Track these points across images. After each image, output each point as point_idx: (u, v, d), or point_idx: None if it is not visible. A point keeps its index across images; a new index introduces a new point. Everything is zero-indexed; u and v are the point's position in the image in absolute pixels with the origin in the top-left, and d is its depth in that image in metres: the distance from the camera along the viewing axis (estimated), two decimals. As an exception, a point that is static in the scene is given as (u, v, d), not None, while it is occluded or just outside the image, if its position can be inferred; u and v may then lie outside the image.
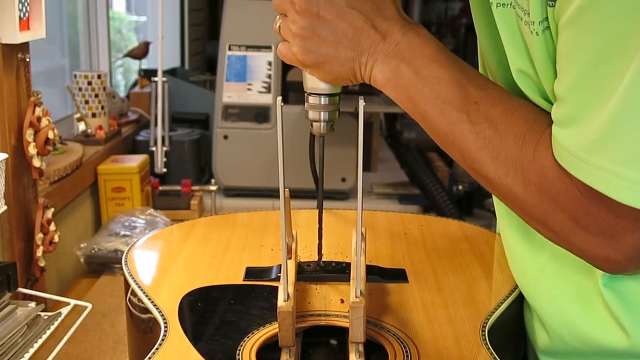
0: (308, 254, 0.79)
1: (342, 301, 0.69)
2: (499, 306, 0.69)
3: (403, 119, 2.68)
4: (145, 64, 2.24)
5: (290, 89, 1.93)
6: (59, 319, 0.86)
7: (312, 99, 0.65)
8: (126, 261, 0.79)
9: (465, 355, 0.60)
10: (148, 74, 2.06)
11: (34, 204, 1.11)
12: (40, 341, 0.81)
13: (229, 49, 1.86)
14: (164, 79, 1.79)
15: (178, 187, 1.71)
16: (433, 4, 3.53)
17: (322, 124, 0.66)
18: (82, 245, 1.38)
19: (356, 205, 0.59)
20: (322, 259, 0.76)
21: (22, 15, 1.00)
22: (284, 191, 0.61)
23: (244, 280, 0.75)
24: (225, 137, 1.85)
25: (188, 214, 1.70)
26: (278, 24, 0.62)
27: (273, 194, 1.82)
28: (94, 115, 1.64)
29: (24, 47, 1.06)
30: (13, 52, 1.03)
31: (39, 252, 1.10)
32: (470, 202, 2.09)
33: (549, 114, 0.53)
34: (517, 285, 0.71)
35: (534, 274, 0.65)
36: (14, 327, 0.81)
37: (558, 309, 0.62)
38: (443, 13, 3.55)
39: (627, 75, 0.44)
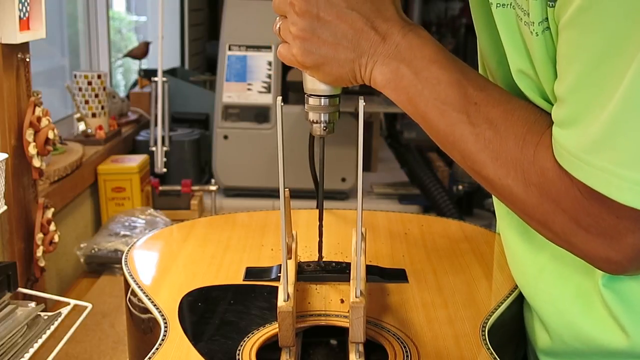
0: (308, 254, 0.79)
1: (342, 301, 0.70)
2: (499, 306, 0.69)
3: (403, 119, 2.68)
4: (145, 64, 2.24)
5: (290, 89, 1.93)
6: (59, 319, 0.86)
7: (312, 100, 0.65)
8: (126, 261, 0.79)
9: (465, 355, 0.61)
10: (148, 74, 2.06)
11: (34, 204, 1.11)
12: (40, 341, 0.81)
13: (229, 49, 1.86)
14: (164, 79, 1.79)
15: (178, 187, 1.71)
16: (433, 4, 3.53)
17: (322, 125, 0.66)
18: (82, 245, 1.38)
19: (356, 205, 0.59)
20: (322, 259, 0.76)
21: (22, 15, 1.00)
22: (284, 191, 0.61)
23: (244, 280, 0.75)
24: (225, 137, 1.85)
25: (188, 214, 1.70)
26: (278, 26, 0.62)
27: (273, 194, 1.82)
28: (94, 115, 1.64)
29: (24, 47, 1.06)
30: (13, 52, 1.03)
31: (39, 252, 1.10)
32: (470, 202, 2.09)
33: (549, 114, 0.53)
34: (517, 285, 0.71)
35: (534, 275, 0.65)
36: (14, 327, 0.81)
37: (558, 309, 0.62)
38: (443, 13, 3.55)
39: (627, 75, 0.44)
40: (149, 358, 0.60)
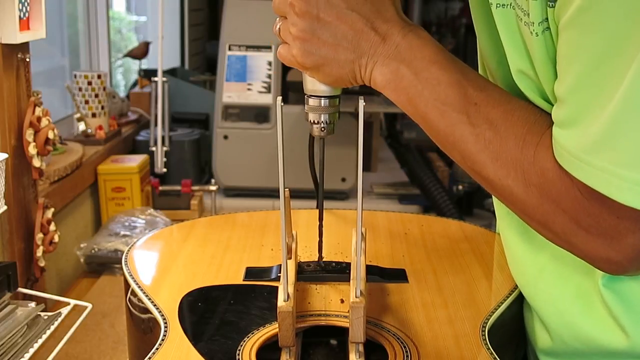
0: (308, 254, 0.79)
1: (342, 301, 0.70)
2: (499, 306, 0.69)
3: (403, 119, 2.68)
4: (145, 64, 2.24)
5: (290, 89, 1.93)
6: (59, 319, 0.86)
7: (312, 101, 0.65)
8: (126, 261, 0.79)
9: (465, 355, 0.61)
10: (148, 74, 2.06)
11: (34, 204, 1.11)
12: (40, 341, 0.81)
13: (229, 49, 1.86)
14: (164, 79, 1.79)
15: (178, 187, 1.71)
16: (433, 4, 3.53)
17: (322, 126, 0.66)
18: (82, 245, 1.38)
19: (356, 205, 0.59)
20: (322, 259, 0.76)
21: (22, 15, 1.00)
22: (284, 191, 0.61)
23: (244, 280, 0.75)
24: (225, 137, 1.85)
25: (188, 214, 1.70)
26: (278, 26, 0.62)
27: (273, 194, 1.82)
28: (94, 115, 1.64)
29: (24, 47, 1.06)
30: (13, 52, 1.03)
31: (39, 252, 1.10)
32: (470, 202, 2.09)
33: (549, 115, 0.53)
34: (517, 285, 0.71)
35: (534, 275, 0.65)
36: (14, 327, 0.81)
37: (558, 309, 0.62)
38: (443, 13, 3.55)
39: (627, 76, 0.44)
40: (149, 358, 0.60)
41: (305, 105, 0.66)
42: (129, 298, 0.74)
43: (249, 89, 1.85)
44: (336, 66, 0.59)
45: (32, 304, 0.87)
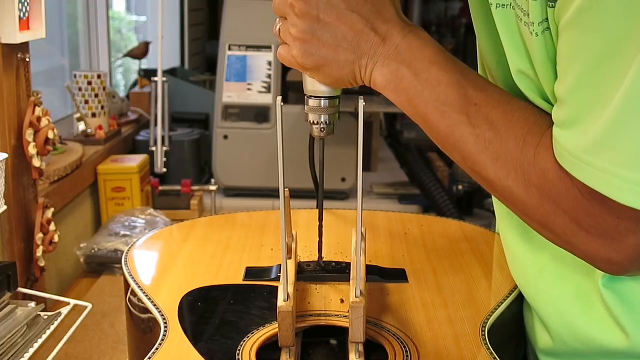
0: (308, 254, 0.79)
1: (342, 301, 0.70)
2: (499, 306, 0.69)
3: (403, 119, 2.68)
4: (145, 64, 2.24)
5: (290, 89, 1.93)
6: (59, 319, 0.86)
7: (312, 102, 0.65)
8: (126, 261, 0.79)
9: (465, 355, 0.61)
10: (148, 74, 2.06)
11: (34, 204, 1.11)
12: (40, 341, 0.81)
13: (229, 49, 1.86)
14: (164, 79, 1.79)
15: (178, 187, 1.71)
16: (433, 4, 3.53)
17: (322, 126, 0.66)
18: (82, 245, 1.38)
19: (356, 205, 0.59)
20: (322, 259, 0.76)
21: (22, 15, 1.00)
22: (284, 191, 0.61)
23: (244, 280, 0.75)
24: (225, 137, 1.85)
25: (188, 214, 1.70)
26: (278, 27, 0.62)
27: (273, 194, 1.82)
28: (94, 115, 1.64)
29: (24, 47, 1.06)
30: (13, 52, 1.03)
31: (39, 252, 1.10)
32: (470, 202, 2.09)
33: (550, 115, 0.53)
34: (517, 285, 0.71)
35: (534, 275, 0.65)
36: (14, 327, 0.81)
37: (558, 309, 0.62)
38: (443, 13, 3.55)
39: (628, 76, 0.44)
40: (149, 358, 0.60)
41: (306, 106, 0.66)
42: (129, 298, 0.74)
43: (249, 89, 1.85)
44: (336, 67, 0.59)
45: (32, 304, 0.87)
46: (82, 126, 1.61)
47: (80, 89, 1.62)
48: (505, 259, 0.72)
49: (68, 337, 0.86)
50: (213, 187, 1.74)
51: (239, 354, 0.60)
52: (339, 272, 0.74)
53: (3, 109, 1.00)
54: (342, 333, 0.65)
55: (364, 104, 0.59)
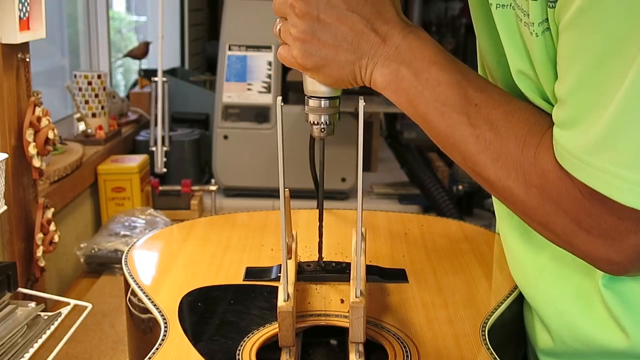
0: (308, 254, 0.79)
1: (342, 301, 0.70)
2: (499, 306, 0.69)
3: (403, 119, 2.68)
4: (145, 64, 2.24)
5: (290, 89, 1.93)
6: (59, 319, 0.86)
7: (312, 102, 0.65)
8: (126, 261, 0.79)
9: (465, 355, 0.61)
10: (148, 74, 2.06)
11: (34, 204, 1.11)
12: (40, 341, 0.81)
13: (229, 49, 1.86)
14: (164, 79, 1.79)
15: (178, 187, 1.71)
16: (433, 4, 3.53)
17: (322, 126, 0.66)
18: (82, 245, 1.38)
19: (356, 205, 0.59)
20: (322, 259, 0.76)
21: (22, 15, 1.00)
22: (284, 191, 0.61)
23: (244, 280, 0.75)
24: (225, 137, 1.85)
25: (188, 214, 1.70)
26: (278, 27, 0.62)
27: (273, 194, 1.82)
28: (94, 115, 1.64)
29: (24, 47, 1.06)
30: (13, 52, 1.03)
31: (39, 252, 1.10)
32: (470, 202, 2.09)
33: (550, 115, 0.53)
34: (517, 285, 0.71)
35: (534, 275, 0.65)
36: (14, 327, 0.81)
37: (558, 309, 0.62)
38: (443, 13, 3.55)
39: (628, 76, 0.44)
40: (149, 358, 0.60)
41: (306, 106, 0.66)
42: (129, 298, 0.74)
43: (249, 89, 1.85)
44: (336, 67, 0.59)
45: (32, 304, 0.87)
46: (82, 126, 1.61)
47: (80, 89, 1.62)
48: (505, 259, 0.72)
49: (68, 337, 0.86)
50: (213, 187, 1.74)
51: (239, 354, 0.60)
52: (339, 272, 0.74)
53: (3, 109, 1.00)
54: (342, 333, 0.65)
55: (364, 104, 0.59)
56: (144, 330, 0.71)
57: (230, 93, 1.85)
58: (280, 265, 0.70)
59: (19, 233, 1.06)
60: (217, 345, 0.62)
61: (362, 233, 0.65)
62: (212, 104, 1.91)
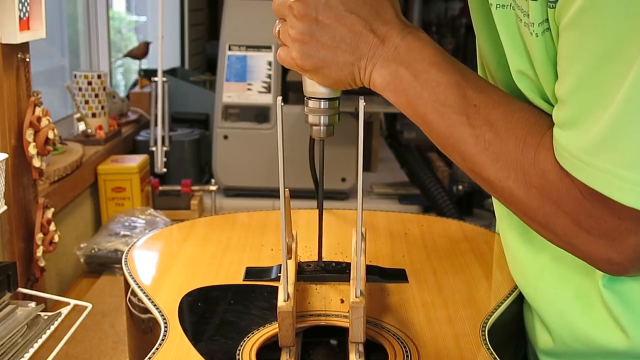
0: (308, 254, 0.79)
1: (342, 301, 0.70)
2: (499, 306, 0.69)
3: (403, 119, 2.68)
4: (145, 64, 2.24)
5: (290, 89, 1.93)
6: (59, 319, 0.86)
7: (311, 103, 0.65)
8: (126, 261, 0.79)
9: (465, 355, 0.61)
10: (148, 74, 2.06)
11: (34, 204, 1.11)
12: (40, 341, 0.81)
13: (229, 49, 1.86)
14: (164, 79, 1.79)
15: (178, 187, 1.71)
16: (433, 4, 3.53)
17: (322, 127, 0.66)
18: (82, 245, 1.38)
19: (356, 205, 0.59)
20: (322, 259, 0.76)
21: (22, 15, 1.00)
22: (284, 191, 0.61)
23: (244, 280, 0.75)
24: (225, 137, 1.85)
25: (188, 214, 1.70)
26: (277, 28, 0.62)
27: (273, 194, 1.82)
28: (94, 115, 1.64)
29: (24, 47, 1.06)
30: (13, 52, 1.03)
31: (39, 252, 1.10)
32: (470, 202, 2.09)
33: (550, 116, 0.53)
34: (517, 285, 0.71)
35: (534, 275, 0.65)
36: (14, 327, 0.81)
37: (558, 309, 0.62)
38: (443, 13, 3.55)
39: (628, 76, 0.44)
40: (149, 358, 0.60)
41: (305, 107, 0.66)
42: (129, 298, 0.74)
43: (249, 89, 1.85)
44: (335, 68, 0.59)
45: (32, 304, 0.87)
46: (82, 126, 1.61)
47: (80, 89, 1.62)
48: (505, 259, 0.72)
49: (68, 337, 0.86)
50: (213, 187, 1.74)
51: (239, 354, 0.60)
52: (339, 272, 0.74)
53: (3, 109, 1.00)
54: (342, 333, 0.65)
55: (364, 104, 0.59)
56: (144, 330, 0.71)
57: (230, 93, 1.85)
58: (280, 265, 0.70)
59: (19, 233, 1.06)
60: (217, 345, 0.62)
61: (362, 233, 0.65)
62: (212, 104, 1.91)
